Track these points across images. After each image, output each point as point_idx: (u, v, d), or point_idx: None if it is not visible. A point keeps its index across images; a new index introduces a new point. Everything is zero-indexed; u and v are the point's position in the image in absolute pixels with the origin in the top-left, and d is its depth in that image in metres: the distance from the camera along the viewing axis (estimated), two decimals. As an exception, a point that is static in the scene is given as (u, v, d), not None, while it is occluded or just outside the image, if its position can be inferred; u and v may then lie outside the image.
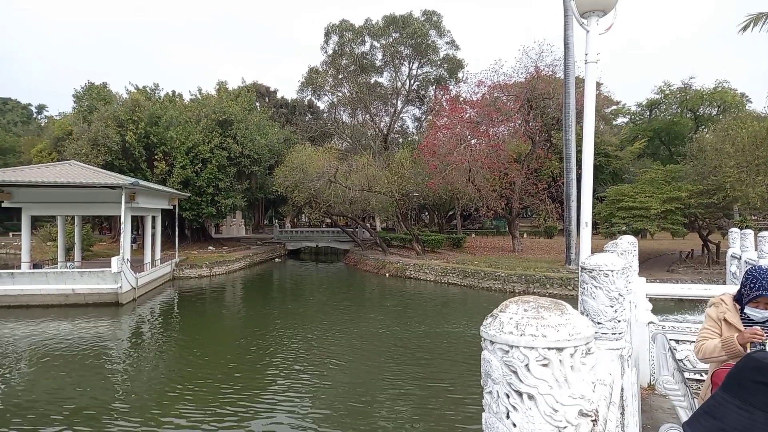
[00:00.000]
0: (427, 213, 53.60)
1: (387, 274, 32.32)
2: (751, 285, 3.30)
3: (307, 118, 54.56)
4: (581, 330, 1.32)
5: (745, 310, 3.30)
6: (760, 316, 3.27)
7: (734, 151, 24.81)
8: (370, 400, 11.18)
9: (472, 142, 32.97)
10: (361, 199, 35.57)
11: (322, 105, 54.08)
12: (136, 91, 39.91)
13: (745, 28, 26.15)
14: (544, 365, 1.31)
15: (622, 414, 3.05)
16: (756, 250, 12.78)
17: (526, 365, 1.31)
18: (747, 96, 46.39)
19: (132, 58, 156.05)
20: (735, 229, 15.91)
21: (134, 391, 11.73)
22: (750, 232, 14.04)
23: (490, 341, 1.39)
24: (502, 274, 26.59)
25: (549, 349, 1.31)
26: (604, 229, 30.58)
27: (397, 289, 28.14)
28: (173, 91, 43.50)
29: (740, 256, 13.69)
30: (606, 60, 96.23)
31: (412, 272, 31.36)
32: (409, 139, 50.98)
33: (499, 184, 32.25)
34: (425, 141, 35.78)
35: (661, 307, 16.60)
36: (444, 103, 37.80)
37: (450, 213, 48.37)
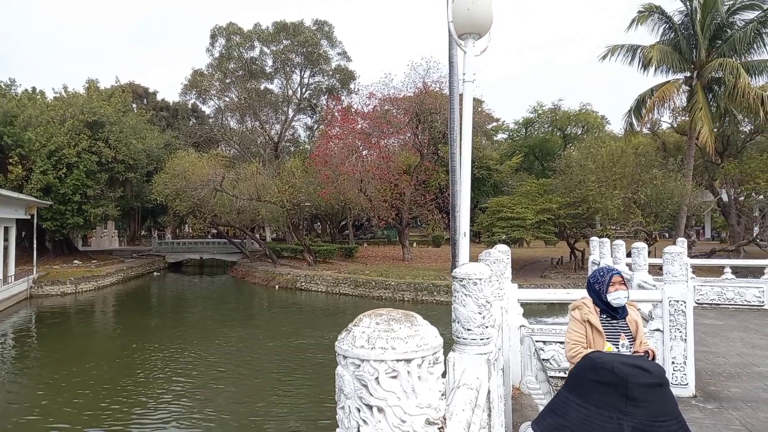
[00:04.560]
0: (319, 223, 53.31)
1: (277, 286, 31.52)
2: (599, 276, 3.71)
3: (191, 122, 51.69)
4: (429, 340, 1.33)
5: (609, 300, 3.61)
6: (623, 296, 3.63)
7: (595, 168, 27.70)
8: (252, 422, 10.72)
9: (364, 153, 33.49)
10: (249, 208, 34.41)
11: (207, 110, 51.60)
12: (-14, 86, 35.20)
13: (604, 58, 29.65)
14: (393, 377, 1.30)
15: (489, 415, 3.17)
16: (612, 256, 14.29)
17: (376, 378, 1.29)
18: (606, 118, 52.29)
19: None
20: (595, 238, 17.66)
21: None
22: (607, 241, 15.65)
23: (343, 356, 1.36)
24: (393, 283, 27.14)
25: (398, 361, 1.30)
26: (486, 238, 32.48)
27: (287, 301, 27.53)
28: (33, 88, 38.92)
29: (599, 263, 15.22)
30: (490, 81, 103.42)
31: (304, 283, 30.90)
32: (301, 147, 50.41)
33: (390, 194, 33.01)
34: (317, 150, 35.62)
35: (537, 309, 18.04)
36: (336, 114, 38.02)
37: (342, 223, 48.54)
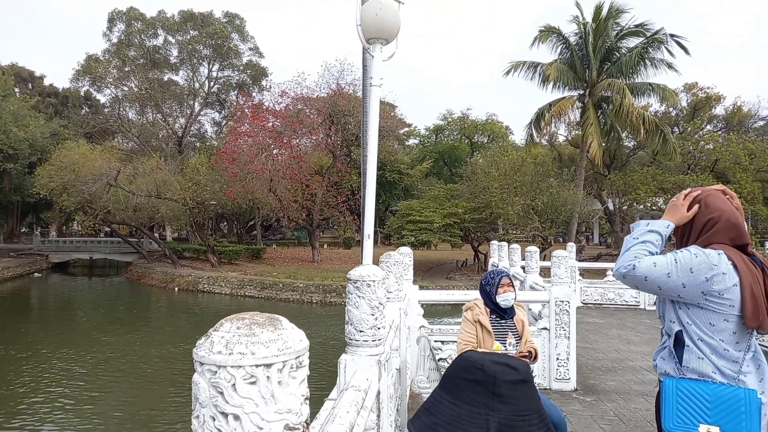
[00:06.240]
0: (226, 223, 51.30)
1: (176, 289, 29.87)
2: (490, 278, 3.90)
3: (83, 111, 47.61)
4: (293, 344, 1.28)
5: (497, 301, 3.77)
6: (511, 298, 3.81)
7: (498, 175, 29.13)
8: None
9: (275, 151, 32.73)
10: (148, 205, 32.30)
11: (103, 98, 47.58)
12: None
13: (507, 73, 31.34)
14: (252, 383, 1.22)
15: (379, 416, 3.17)
16: (509, 259, 15.08)
17: (233, 385, 1.21)
18: (510, 129, 55.26)
19: None
20: (495, 242, 18.58)
21: None
22: (505, 245, 16.51)
23: (200, 363, 1.26)
24: (301, 285, 26.74)
25: (257, 366, 1.22)
26: (396, 240, 33.02)
27: (187, 304, 26.17)
28: None
29: (498, 264, 16.02)
30: (402, 87, 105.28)
31: (206, 285, 29.55)
32: (208, 143, 48.22)
33: (301, 195, 32.53)
34: (225, 147, 34.27)
35: (442, 310, 18.59)
36: (246, 110, 36.82)
37: (250, 223, 47.10)
